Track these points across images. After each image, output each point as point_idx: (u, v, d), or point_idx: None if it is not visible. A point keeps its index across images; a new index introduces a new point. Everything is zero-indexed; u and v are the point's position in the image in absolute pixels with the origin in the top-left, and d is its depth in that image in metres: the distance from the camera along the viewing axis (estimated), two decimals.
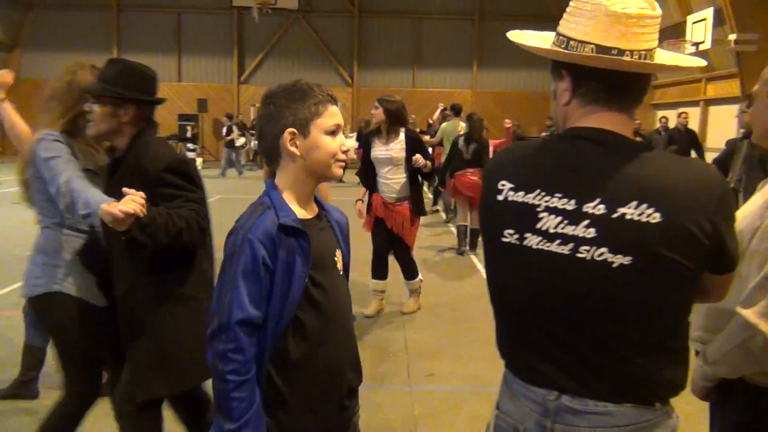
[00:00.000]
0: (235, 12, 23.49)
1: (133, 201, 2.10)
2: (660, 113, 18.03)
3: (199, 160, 21.29)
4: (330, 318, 1.74)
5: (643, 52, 1.32)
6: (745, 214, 1.76)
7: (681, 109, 13.42)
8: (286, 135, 1.68)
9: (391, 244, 5.69)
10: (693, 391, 1.85)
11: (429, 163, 5.54)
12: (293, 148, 1.68)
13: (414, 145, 5.51)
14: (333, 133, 1.71)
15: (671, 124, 13.15)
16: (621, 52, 1.31)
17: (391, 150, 5.50)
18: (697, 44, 13.11)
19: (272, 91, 1.72)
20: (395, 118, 5.48)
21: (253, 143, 21.00)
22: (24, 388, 3.88)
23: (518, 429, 1.48)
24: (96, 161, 2.74)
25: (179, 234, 2.28)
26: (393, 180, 5.55)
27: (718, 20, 12.93)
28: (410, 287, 5.95)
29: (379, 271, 5.78)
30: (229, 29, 23.99)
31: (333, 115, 1.71)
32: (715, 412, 1.92)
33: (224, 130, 19.72)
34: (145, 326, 2.47)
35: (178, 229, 2.27)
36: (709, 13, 12.94)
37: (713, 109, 15.70)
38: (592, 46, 1.34)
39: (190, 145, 19.83)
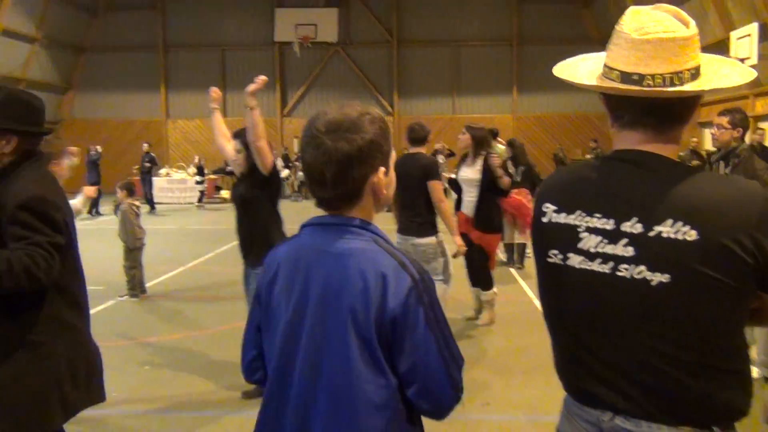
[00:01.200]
0: (277, 47, 24.05)
1: None
2: (708, 131, 17.67)
3: None
4: None
5: (668, 76, 1.32)
6: None
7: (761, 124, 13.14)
8: (380, 174, 1.46)
9: (473, 254, 6.04)
10: (765, 420, 1.79)
11: (506, 178, 6.01)
12: (384, 189, 1.49)
13: (487, 167, 5.95)
14: None
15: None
16: (641, 77, 1.33)
17: (471, 172, 6.04)
18: (742, 60, 12.86)
19: (345, 122, 1.42)
20: (481, 143, 6.01)
21: (299, 174, 21.29)
22: None
23: None
24: None
25: None
26: (473, 199, 6.02)
27: (764, 35, 12.68)
28: (484, 297, 6.19)
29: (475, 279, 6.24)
30: (272, 64, 24.52)
31: None
32: None
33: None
34: None
35: None
36: (753, 28, 12.70)
37: (763, 126, 15.32)
38: (617, 72, 1.36)
39: (198, 178, 19.73)
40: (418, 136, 5.54)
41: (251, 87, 3.93)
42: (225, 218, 16.71)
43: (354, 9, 24.06)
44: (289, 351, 1.46)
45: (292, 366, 1.45)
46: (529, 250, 9.25)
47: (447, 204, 5.39)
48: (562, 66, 1.53)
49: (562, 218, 1.44)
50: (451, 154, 16.19)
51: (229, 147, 4.38)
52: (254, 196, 4.26)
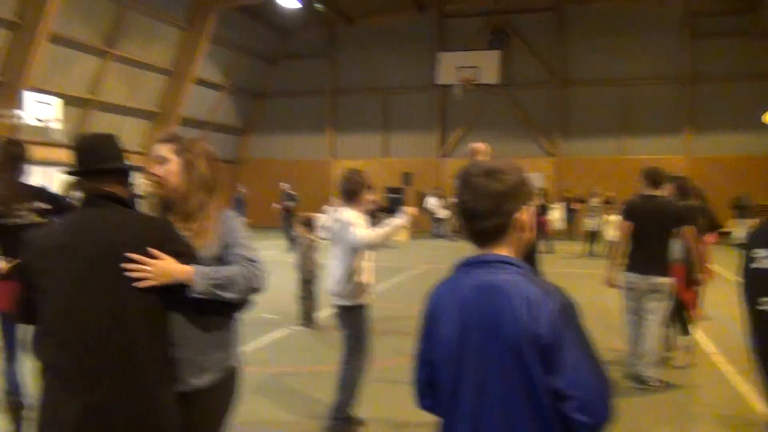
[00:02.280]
0: (438, 89, 24.60)
1: None
2: None
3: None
4: None
5: None
6: None
7: None
8: (525, 212, 1.70)
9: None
10: None
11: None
12: (528, 226, 1.72)
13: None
14: None
15: None
16: None
17: None
18: None
19: (496, 167, 1.71)
20: (685, 192, 6.22)
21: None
22: None
23: None
24: None
25: None
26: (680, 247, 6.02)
27: None
28: (684, 343, 6.30)
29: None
30: (432, 106, 25.13)
31: None
32: None
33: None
34: None
35: None
36: None
37: None
38: None
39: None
40: (657, 179, 5.75)
41: None
42: (385, 256, 17.13)
43: (516, 50, 24.10)
44: (457, 377, 1.68)
45: (460, 390, 1.67)
46: None
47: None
48: None
49: None
50: (608, 201, 15.67)
51: None
52: None
